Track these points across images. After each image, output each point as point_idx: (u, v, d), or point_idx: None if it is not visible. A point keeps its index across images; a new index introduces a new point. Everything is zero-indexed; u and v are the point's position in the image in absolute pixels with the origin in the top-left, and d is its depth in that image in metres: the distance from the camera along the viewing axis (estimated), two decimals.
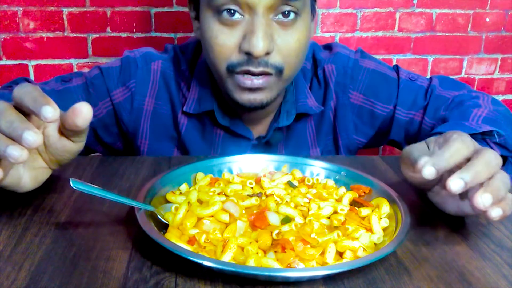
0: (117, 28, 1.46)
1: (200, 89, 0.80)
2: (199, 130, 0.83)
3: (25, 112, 0.48)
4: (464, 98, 0.80)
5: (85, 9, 1.43)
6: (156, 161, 0.70)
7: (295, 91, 0.81)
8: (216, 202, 0.51)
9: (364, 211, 0.53)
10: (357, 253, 0.46)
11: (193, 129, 0.83)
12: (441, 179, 0.49)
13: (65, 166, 0.60)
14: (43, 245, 0.47)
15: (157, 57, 0.84)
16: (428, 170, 0.46)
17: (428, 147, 0.54)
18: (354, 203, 0.55)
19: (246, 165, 0.64)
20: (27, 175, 0.53)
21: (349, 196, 0.56)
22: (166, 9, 1.47)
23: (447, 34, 1.63)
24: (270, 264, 0.43)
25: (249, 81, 0.69)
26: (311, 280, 0.43)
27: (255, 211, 0.52)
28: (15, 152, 0.44)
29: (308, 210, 0.53)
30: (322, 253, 0.45)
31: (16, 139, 0.45)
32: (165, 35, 1.49)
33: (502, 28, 1.65)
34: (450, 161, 0.46)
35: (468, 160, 0.47)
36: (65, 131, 0.51)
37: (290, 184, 0.59)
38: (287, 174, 0.62)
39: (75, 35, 1.45)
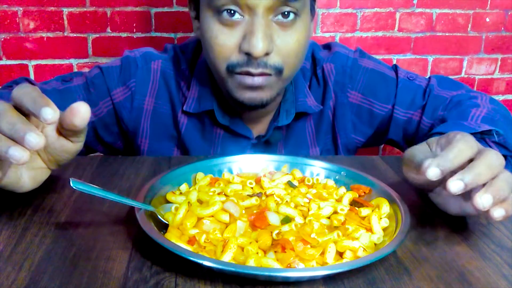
0: (117, 28, 1.46)
1: (200, 88, 0.80)
2: (199, 129, 0.83)
3: (24, 113, 0.48)
4: (462, 98, 0.81)
5: (85, 9, 1.43)
6: (156, 161, 0.70)
7: (294, 90, 0.82)
8: (216, 202, 0.51)
9: (364, 211, 0.53)
10: (357, 253, 0.46)
11: (193, 128, 0.83)
12: (443, 180, 0.49)
13: (65, 166, 0.60)
14: (43, 245, 0.47)
15: (157, 56, 0.84)
16: (432, 171, 0.46)
17: (430, 148, 0.54)
18: (354, 203, 0.55)
19: (246, 165, 0.64)
20: (26, 175, 0.53)
21: (349, 196, 0.56)
22: (166, 9, 1.47)
23: (447, 34, 1.63)
24: (270, 264, 0.43)
25: (250, 79, 0.69)
26: (311, 280, 0.43)
27: (255, 211, 0.52)
28: (16, 153, 0.44)
29: (308, 210, 0.53)
30: (322, 253, 0.45)
31: (18, 141, 0.45)
32: (165, 35, 1.49)
33: (502, 28, 1.65)
34: (454, 161, 0.46)
35: (471, 160, 0.47)
36: (64, 131, 0.51)
37: (290, 184, 0.59)
38: (287, 174, 0.62)
39: (75, 35, 1.45)
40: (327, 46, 0.89)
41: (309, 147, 0.86)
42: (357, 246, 0.46)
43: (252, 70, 0.68)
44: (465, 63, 1.68)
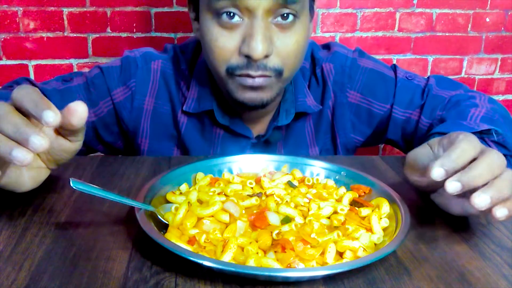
0: (117, 28, 1.46)
1: (200, 88, 0.80)
2: (198, 129, 0.83)
3: (25, 113, 0.48)
4: (461, 98, 0.81)
5: (85, 9, 1.43)
6: (156, 161, 0.70)
7: (294, 90, 0.82)
8: (216, 202, 0.51)
9: (364, 211, 0.53)
10: (357, 253, 0.46)
11: (193, 128, 0.83)
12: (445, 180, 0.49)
13: (65, 166, 0.60)
14: (43, 245, 0.47)
15: (157, 56, 0.84)
16: (437, 171, 0.46)
17: (432, 149, 0.54)
18: (354, 203, 0.55)
19: (246, 165, 0.64)
20: (26, 175, 0.53)
21: (349, 196, 0.56)
22: (166, 9, 1.46)
23: (447, 34, 1.63)
24: (270, 264, 0.43)
25: (250, 80, 0.69)
26: (311, 280, 0.43)
27: (255, 211, 0.52)
28: (20, 155, 0.44)
29: (308, 210, 0.53)
30: (322, 253, 0.45)
31: (22, 143, 0.44)
32: (165, 35, 1.49)
33: (502, 28, 1.65)
34: (458, 161, 0.46)
35: (474, 160, 0.48)
36: (62, 130, 0.51)
37: (290, 184, 0.59)
38: (287, 174, 0.62)
39: (75, 35, 1.45)
40: (327, 46, 0.89)
41: (308, 146, 0.86)
42: (357, 246, 0.46)
43: (252, 72, 0.68)
44: (465, 63, 1.67)
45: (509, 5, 1.62)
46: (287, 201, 0.54)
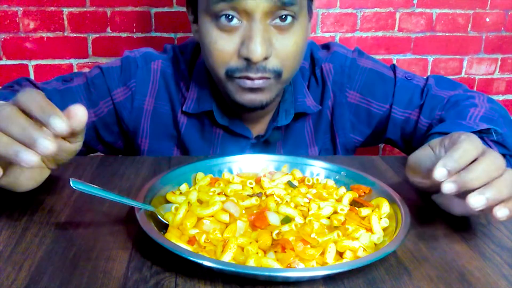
0: (117, 28, 1.46)
1: (199, 89, 0.80)
2: (198, 129, 0.83)
3: (28, 115, 0.48)
4: (460, 97, 0.81)
5: (85, 9, 1.43)
6: (156, 161, 0.70)
7: (293, 90, 0.82)
8: (216, 202, 0.51)
9: (364, 211, 0.53)
10: (357, 253, 0.46)
11: (193, 128, 0.83)
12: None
13: (65, 166, 0.60)
14: (43, 245, 0.47)
15: (156, 57, 0.84)
16: (439, 171, 0.46)
17: (433, 151, 0.54)
18: (354, 203, 0.55)
19: (246, 165, 0.64)
20: (25, 174, 0.53)
21: (349, 196, 0.56)
22: (166, 9, 1.46)
23: (447, 34, 1.63)
24: (270, 264, 0.43)
25: (250, 82, 0.69)
26: (311, 280, 0.43)
27: (255, 211, 0.52)
28: (26, 157, 0.44)
29: (308, 210, 0.53)
30: (322, 253, 0.45)
31: (29, 145, 0.44)
32: (165, 35, 1.49)
33: (502, 28, 1.65)
34: (460, 161, 0.46)
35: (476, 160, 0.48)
36: None
37: (290, 184, 0.59)
38: (287, 174, 0.62)
39: (75, 35, 1.45)
40: (326, 46, 0.89)
41: (308, 146, 0.86)
42: (357, 246, 0.46)
43: (252, 75, 0.68)
44: (465, 63, 1.67)
45: (509, 5, 1.62)
46: (287, 201, 0.54)
